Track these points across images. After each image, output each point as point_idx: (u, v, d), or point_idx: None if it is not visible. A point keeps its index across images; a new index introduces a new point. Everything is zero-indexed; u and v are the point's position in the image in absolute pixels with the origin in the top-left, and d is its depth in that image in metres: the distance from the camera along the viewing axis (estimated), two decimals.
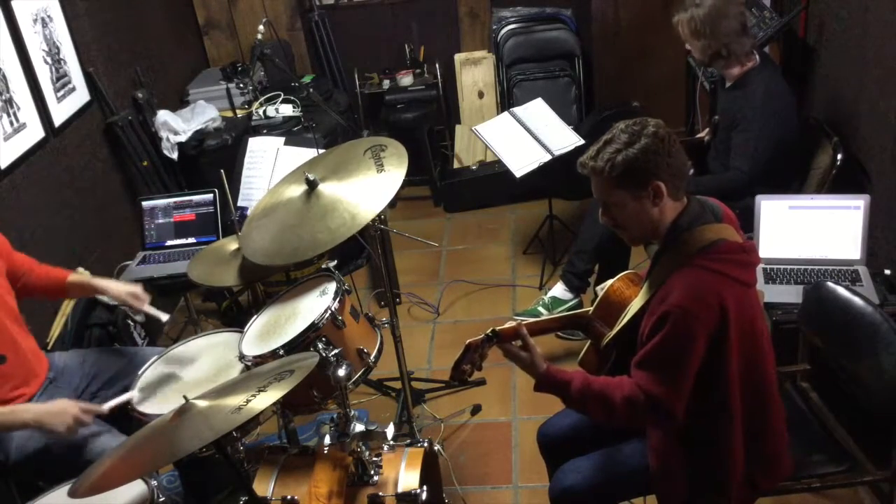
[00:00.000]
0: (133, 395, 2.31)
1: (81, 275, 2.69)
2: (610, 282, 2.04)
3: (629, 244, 1.98)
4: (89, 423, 2.18)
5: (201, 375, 2.36)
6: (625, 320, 1.91)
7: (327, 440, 2.24)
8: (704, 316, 1.71)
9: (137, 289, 2.56)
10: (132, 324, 3.23)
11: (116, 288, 2.57)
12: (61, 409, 2.14)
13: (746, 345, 1.78)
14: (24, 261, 2.53)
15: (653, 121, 1.82)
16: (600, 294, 2.04)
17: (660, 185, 1.77)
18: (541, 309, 3.56)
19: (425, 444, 2.28)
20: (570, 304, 3.55)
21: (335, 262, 2.49)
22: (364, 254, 4.16)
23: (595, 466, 2.03)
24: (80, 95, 3.54)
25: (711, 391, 1.80)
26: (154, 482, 1.97)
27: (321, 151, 3.07)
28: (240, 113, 4.31)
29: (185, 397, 1.78)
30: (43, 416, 2.13)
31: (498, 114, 4.36)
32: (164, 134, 3.91)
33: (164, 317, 2.54)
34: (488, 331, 1.91)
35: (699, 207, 1.85)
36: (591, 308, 2.07)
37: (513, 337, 1.92)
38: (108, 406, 2.25)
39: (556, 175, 3.81)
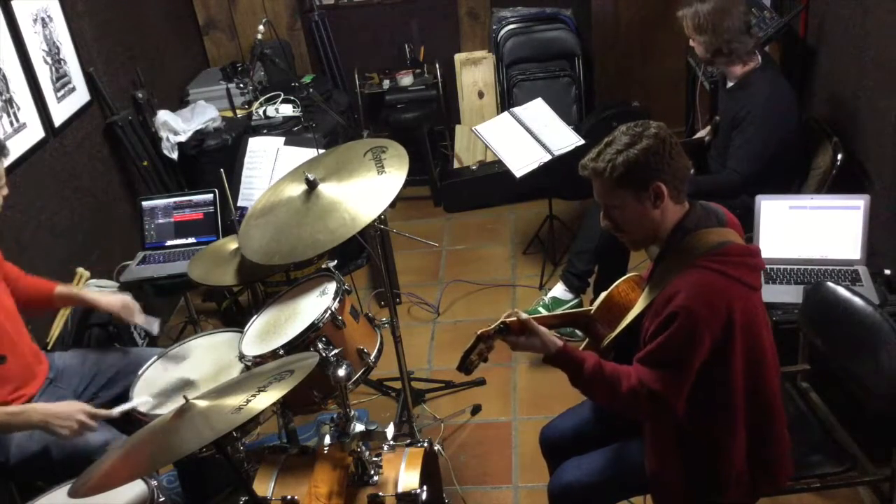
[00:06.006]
0: (146, 399, 2.28)
1: (69, 287, 2.64)
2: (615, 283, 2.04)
3: (630, 248, 1.98)
4: (95, 428, 2.16)
5: (201, 375, 2.36)
6: (625, 323, 1.91)
7: (327, 440, 2.24)
8: (711, 320, 1.70)
9: (127, 298, 2.53)
10: (132, 324, 3.23)
11: (107, 302, 2.53)
12: (67, 413, 2.12)
13: (751, 349, 1.78)
14: (12, 270, 2.50)
15: (654, 123, 1.82)
16: (603, 295, 2.04)
17: (661, 186, 1.77)
18: (541, 309, 3.56)
19: (425, 444, 2.28)
20: (570, 304, 3.55)
21: (335, 262, 2.49)
22: (364, 254, 4.15)
23: (595, 464, 2.03)
24: (80, 95, 3.54)
25: (715, 395, 1.79)
26: (154, 482, 1.97)
27: (321, 151, 3.07)
28: (240, 113, 4.31)
29: (185, 397, 1.78)
30: (50, 418, 2.11)
31: (498, 114, 4.35)
32: (164, 134, 3.90)
33: (156, 329, 2.47)
34: (499, 322, 1.91)
35: (703, 211, 1.84)
36: (593, 308, 2.07)
37: (520, 330, 1.92)
38: (117, 411, 2.22)
39: (556, 175, 3.80)
